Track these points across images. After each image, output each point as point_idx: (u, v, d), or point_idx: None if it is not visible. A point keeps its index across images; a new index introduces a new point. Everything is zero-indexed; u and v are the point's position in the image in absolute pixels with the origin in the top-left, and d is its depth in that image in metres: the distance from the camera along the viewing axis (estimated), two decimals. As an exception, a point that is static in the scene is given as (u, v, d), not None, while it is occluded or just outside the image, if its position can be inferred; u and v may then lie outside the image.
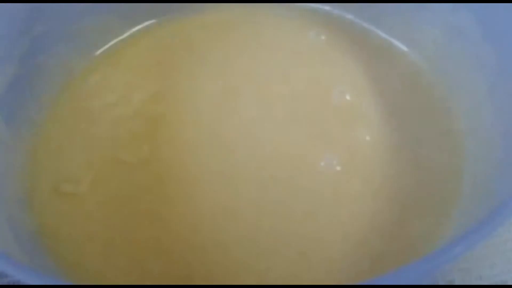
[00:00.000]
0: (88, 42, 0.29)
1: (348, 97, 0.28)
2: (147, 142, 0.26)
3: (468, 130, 0.26)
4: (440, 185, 0.25)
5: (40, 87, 0.27)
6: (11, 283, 0.25)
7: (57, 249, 0.23)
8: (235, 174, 0.25)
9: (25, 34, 0.26)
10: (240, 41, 0.31)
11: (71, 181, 0.25)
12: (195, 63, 0.29)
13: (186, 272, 0.23)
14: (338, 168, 0.26)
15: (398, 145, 0.26)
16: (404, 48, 0.30)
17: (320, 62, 0.30)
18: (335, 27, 0.31)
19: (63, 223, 0.24)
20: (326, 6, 0.32)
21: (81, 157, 0.26)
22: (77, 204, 0.25)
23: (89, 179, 0.25)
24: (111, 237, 0.24)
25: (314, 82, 0.29)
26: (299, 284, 0.22)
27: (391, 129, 0.27)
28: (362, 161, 0.26)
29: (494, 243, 0.25)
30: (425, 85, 0.28)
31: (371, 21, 0.31)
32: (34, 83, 0.27)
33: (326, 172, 0.25)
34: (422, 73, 0.28)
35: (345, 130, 0.27)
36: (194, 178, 0.25)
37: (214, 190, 0.25)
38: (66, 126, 0.27)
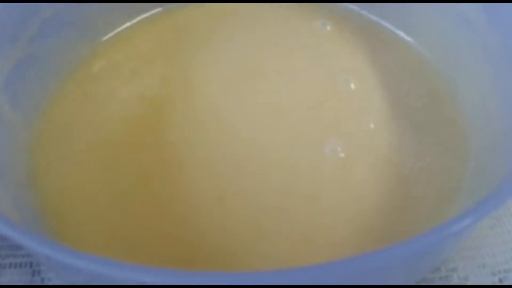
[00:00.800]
0: (95, 27, 0.29)
1: (352, 86, 0.28)
2: (152, 126, 0.26)
3: (472, 119, 0.26)
4: (444, 172, 0.25)
5: (46, 71, 0.27)
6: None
7: (61, 230, 0.23)
8: (240, 158, 0.25)
9: (33, 17, 0.26)
10: (246, 29, 0.31)
11: (75, 163, 0.25)
12: (201, 50, 0.30)
13: (189, 254, 0.23)
14: (342, 154, 0.26)
15: (402, 133, 0.26)
16: (408, 38, 0.30)
17: (325, 51, 0.30)
18: (341, 18, 0.31)
19: (67, 204, 0.24)
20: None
21: (86, 140, 0.26)
22: (81, 186, 0.25)
23: (93, 162, 0.25)
24: (115, 219, 0.24)
25: (319, 70, 0.29)
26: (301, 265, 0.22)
27: (395, 117, 0.27)
28: (366, 147, 0.26)
29: (497, 233, 0.25)
30: (429, 74, 0.28)
31: (376, 11, 0.31)
32: (40, 66, 0.27)
33: (330, 158, 0.25)
34: (426, 62, 0.29)
35: (349, 118, 0.27)
36: (199, 161, 0.25)
37: (219, 173, 0.25)
38: (71, 110, 0.27)
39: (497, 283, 0.24)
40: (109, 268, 0.15)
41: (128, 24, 0.31)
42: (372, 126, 0.27)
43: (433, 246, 0.16)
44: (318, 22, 0.31)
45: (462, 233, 0.16)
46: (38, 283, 0.25)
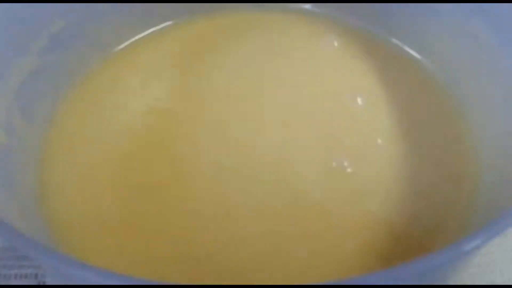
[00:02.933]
0: (106, 40, 0.29)
1: (359, 102, 0.28)
2: (161, 139, 0.27)
3: (482, 137, 0.26)
4: (452, 190, 0.25)
5: (57, 82, 0.27)
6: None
7: (68, 241, 0.23)
8: (246, 172, 0.25)
9: (44, 30, 0.26)
10: (254, 44, 0.31)
11: (84, 175, 0.25)
12: (210, 64, 0.30)
13: (196, 270, 0.23)
14: (349, 170, 0.26)
15: (410, 149, 0.26)
16: (416, 55, 0.30)
17: (332, 67, 0.30)
18: (348, 34, 0.31)
19: (74, 216, 0.24)
20: (339, 13, 0.32)
21: (94, 151, 0.26)
22: (89, 197, 0.25)
23: (102, 172, 0.25)
24: (124, 230, 0.24)
25: (326, 87, 0.29)
26: (308, 280, 0.22)
27: (403, 134, 0.27)
28: (373, 163, 0.26)
29: (505, 249, 0.25)
30: (437, 92, 0.28)
31: (384, 28, 0.31)
32: (51, 77, 0.27)
33: (337, 173, 0.25)
34: (434, 80, 0.29)
35: (357, 133, 0.27)
36: (207, 175, 0.25)
37: (226, 187, 0.25)
38: (80, 120, 0.27)
39: (505, 301, 0.24)
40: (116, 280, 0.15)
41: (138, 37, 0.31)
42: (379, 142, 0.27)
43: (442, 265, 0.16)
44: (325, 38, 0.31)
45: (472, 253, 0.16)
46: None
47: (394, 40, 0.31)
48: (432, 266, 0.16)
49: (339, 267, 0.23)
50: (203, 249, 0.23)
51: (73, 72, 0.28)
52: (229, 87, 0.29)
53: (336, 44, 0.31)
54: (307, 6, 0.32)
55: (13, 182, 0.23)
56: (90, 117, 0.27)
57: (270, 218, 0.24)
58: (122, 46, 0.30)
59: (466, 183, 0.25)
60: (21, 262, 0.25)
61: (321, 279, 0.22)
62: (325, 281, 0.14)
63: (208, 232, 0.24)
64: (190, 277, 0.22)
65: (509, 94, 0.24)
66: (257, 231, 0.24)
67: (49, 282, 0.25)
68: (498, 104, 0.25)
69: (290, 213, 0.24)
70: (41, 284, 0.25)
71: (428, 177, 0.25)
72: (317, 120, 0.28)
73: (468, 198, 0.24)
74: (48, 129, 0.27)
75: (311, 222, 0.24)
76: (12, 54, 0.25)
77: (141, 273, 0.22)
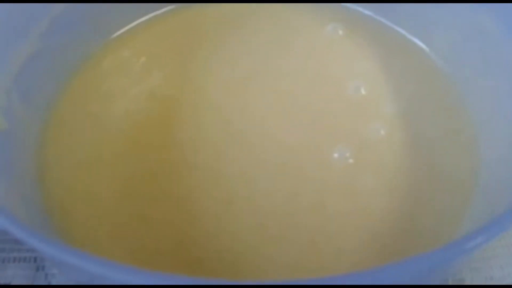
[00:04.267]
0: (106, 24, 0.29)
1: (363, 92, 0.28)
2: (160, 125, 0.26)
3: (485, 130, 0.25)
4: (453, 183, 0.25)
5: (57, 67, 0.27)
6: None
7: (66, 226, 0.23)
8: (247, 161, 0.25)
9: (45, 13, 0.26)
10: (257, 32, 0.31)
11: (83, 160, 0.25)
12: (210, 50, 0.29)
13: (196, 255, 0.23)
14: (351, 160, 0.25)
15: (412, 141, 0.26)
16: (422, 45, 0.29)
17: (337, 56, 0.30)
18: (353, 23, 0.31)
19: (73, 201, 0.24)
20: (344, 2, 0.31)
21: (94, 137, 0.26)
22: (89, 184, 0.25)
23: (101, 159, 0.25)
24: (121, 217, 0.24)
25: (329, 76, 0.29)
26: (307, 271, 0.22)
27: (406, 125, 0.27)
28: (375, 155, 0.26)
29: (506, 244, 0.25)
30: (442, 83, 0.28)
31: (390, 18, 0.30)
32: (51, 62, 0.27)
33: (339, 164, 0.25)
34: (439, 71, 0.28)
35: (359, 124, 0.27)
36: (206, 163, 0.25)
37: (226, 176, 0.25)
38: (80, 106, 0.27)
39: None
40: (113, 271, 0.15)
41: (139, 21, 0.30)
42: (382, 133, 0.26)
43: (445, 263, 0.16)
44: (330, 26, 0.31)
45: (475, 250, 0.16)
46: (42, 278, 0.25)
47: (400, 30, 0.30)
48: (433, 263, 0.15)
49: (337, 259, 0.23)
50: (202, 238, 0.23)
51: (73, 56, 0.28)
52: (230, 74, 0.29)
53: (340, 32, 0.31)
54: (311, -7, 0.32)
55: (12, 167, 0.23)
56: (90, 101, 0.27)
57: (269, 207, 0.24)
58: (123, 30, 0.30)
59: (467, 176, 0.25)
60: (20, 245, 0.25)
61: (319, 271, 0.22)
62: (324, 276, 0.14)
63: (207, 221, 0.23)
64: (188, 265, 0.22)
65: (512, 89, 0.24)
66: (257, 220, 0.24)
67: (48, 266, 0.25)
68: (501, 98, 0.25)
69: (289, 204, 0.24)
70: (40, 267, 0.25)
71: (429, 170, 0.25)
72: (319, 109, 0.27)
73: (469, 192, 0.24)
74: (47, 113, 0.26)
75: (310, 213, 0.24)
76: (12, 37, 0.25)
77: (138, 257, 0.23)
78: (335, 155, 0.26)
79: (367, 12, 0.31)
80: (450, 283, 0.24)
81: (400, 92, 0.28)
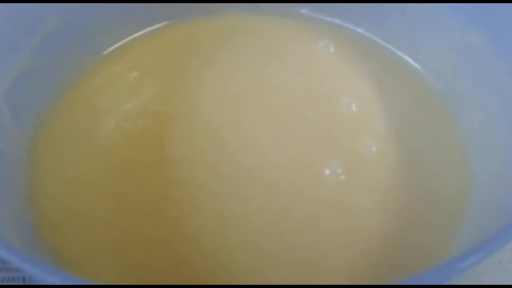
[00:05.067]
0: (99, 40, 0.29)
1: (355, 108, 0.28)
2: (152, 142, 0.26)
3: (477, 146, 0.26)
4: (446, 200, 0.25)
5: (48, 82, 0.27)
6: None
7: (58, 245, 0.23)
8: (240, 178, 0.25)
9: (37, 29, 0.26)
10: (249, 47, 0.31)
11: (74, 178, 0.25)
12: (203, 66, 0.30)
13: (187, 272, 0.23)
14: (343, 177, 0.26)
15: (404, 158, 0.26)
16: (413, 63, 0.30)
17: (328, 73, 0.30)
18: (345, 40, 0.31)
19: (64, 219, 0.24)
20: (335, 19, 0.32)
21: (85, 153, 0.26)
22: (80, 201, 0.24)
23: (92, 176, 0.25)
24: (114, 236, 0.23)
25: (321, 92, 0.29)
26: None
27: (398, 142, 0.27)
28: (367, 171, 0.26)
29: (497, 260, 0.25)
30: (434, 100, 0.28)
31: (381, 36, 0.31)
32: (42, 78, 0.27)
33: (330, 180, 0.25)
34: (431, 88, 0.29)
35: (351, 140, 0.27)
36: (198, 179, 0.25)
37: (218, 193, 0.25)
38: (71, 122, 0.27)
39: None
40: None
41: (131, 37, 0.30)
42: (373, 149, 0.27)
43: (438, 282, 0.16)
44: (322, 43, 0.31)
45: (469, 269, 0.16)
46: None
47: (391, 47, 0.30)
48: (427, 283, 0.15)
49: (329, 276, 0.23)
50: (195, 255, 0.23)
51: (65, 72, 0.28)
52: (222, 90, 0.29)
53: (332, 49, 0.31)
54: (303, 10, 0.32)
55: (2, 183, 0.23)
56: (82, 118, 0.27)
57: (262, 225, 0.24)
58: (115, 46, 0.30)
59: (459, 193, 0.25)
60: (8, 265, 0.25)
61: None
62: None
63: (200, 238, 0.23)
64: (179, 277, 0.22)
65: (503, 105, 0.24)
66: (249, 237, 0.24)
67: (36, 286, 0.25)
68: (493, 115, 0.25)
69: (282, 221, 0.24)
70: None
71: (421, 187, 0.25)
72: (311, 125, 0.27)
73: (461, 209, 0.24)
74: (38, 129, 0.26)
75: (303, 231, 0.24)
76: (3, 53, 0.24)
77: (130, 275, 0.22)
78: (327, 171, 0.26)
79: (358, 29, 0.31)
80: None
81: (392, 109, 0.28)
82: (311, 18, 0.32)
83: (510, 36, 0.24)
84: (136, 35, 0.31)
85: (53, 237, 0.23)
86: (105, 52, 0.30)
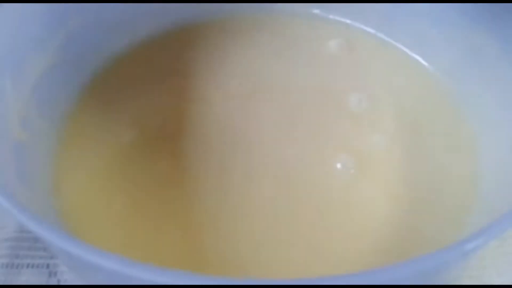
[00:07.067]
0: (118, 38, 0.30)
1: (365, 105, 0.29)
2: (168, 137, 0.27)
3: (486, 143, 0.26)
4: (455, 194, 0.25)
5: (73, 78, 0.28)
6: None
7: (81, 237, 0.24)
8: (251, 171, 0.26)
9: (61, 26, 0.27)
10: (262, 46, 0.32)
11: (98, 171, 0.26)
12: (216, 64, 0.30)
13: (201, 259, 0.23)
14: (353, 171, 0.26)
15: (413, 153, 0.27)
16: (422, 61, 0.30)
17: (339, 71, 0.31)
18: (356, 39, 0.32)
19: (87, 210, 0.25)
20: (346, 18, 0.33)
21: (107, 147, 0.27)
22: (101, 192, 0.25)
23: (116, 169, 0.26)
24: (133, 224, 0.24)
25: (331, 89, 0.30)
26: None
27: (407, 137, 0.27)
28: (377, 165, 0.26)
29: (503, 253, 0.26)
30: (442, 97, 0.29)
31: (391, 35, 0.32)
32: (67, 73, 0.28)
33: (341, 174, 0.26)
34: (439, 86, 0.29)
35: (361, 136, 0.28)
36: (211, 173, 0.26)
37: (231, 185, 0.26)
38: (96, 117, 0.28)
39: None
40: (130, 268, 0.15)
41: (149, 35, 0.31)
42: (383, 145, 0.27)
43: (439, 266, 0.17)
44: (332, 41, 0.32)
45: (471, 253, 0.16)
46: (54, 284, 0.25)
47: (400, 46, 0.31)
48: (432, 265, 0.16)
49: (338, 265, 0.23)
50: (208, 240, 0.24)
51: (87, 69, 0.29)
52: (236, 87, 0.30)
53: (342, 48, 0.32)
54: (315, 10, 0.33)
55: (30, 174, 0.24)
56: (103, 113, 0.28)
57: (273, 214, 0.25)
58: (133, 44, 0.31)
59: (467, 187, 0.25)
60: (33, 252, 0.26)
61: (320, 273, 0.23)
62: (323, 276, 0.15)
63: (216, 226, 0.24)
64: (195, 266, 0.23)
65: (509, 103, 0.25)
66: (261, 226, 0.24)
67: (60, 272, 0.26)
68: (500, 112, 0.26)
69: (293, 212, 0.25)
70: (53, 274, 0.26)
71: (430, 182, 0.26)
72: (322, 122, 0.28)
73: (469, 202, 0.25)
74: (63, 123, 0.27)
75: (312, 221, 0.24)
76: (32, 50, 0.25)
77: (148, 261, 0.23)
78: (338, 165, 0.26)
79: (369, 29, 0.32)
80: (448, 289, 0.25)
81: (402, 106, 0.29)
82: (322, 18, 0.33)
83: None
84: (153, 33, 0.32)
85: (76, 228, 0.24)
86: (123, 50, 0.31)
